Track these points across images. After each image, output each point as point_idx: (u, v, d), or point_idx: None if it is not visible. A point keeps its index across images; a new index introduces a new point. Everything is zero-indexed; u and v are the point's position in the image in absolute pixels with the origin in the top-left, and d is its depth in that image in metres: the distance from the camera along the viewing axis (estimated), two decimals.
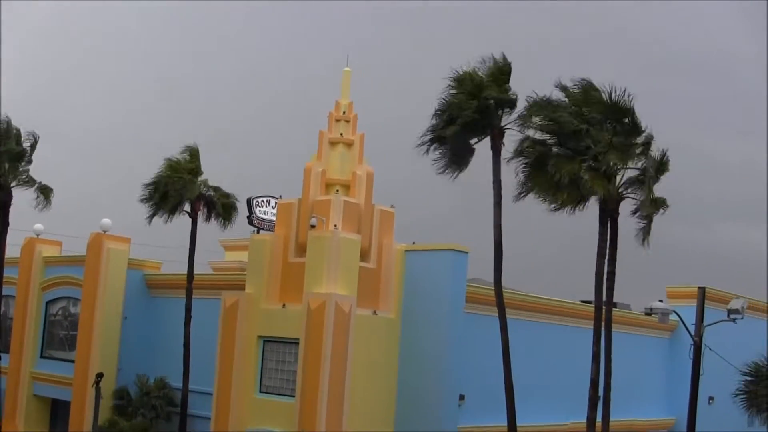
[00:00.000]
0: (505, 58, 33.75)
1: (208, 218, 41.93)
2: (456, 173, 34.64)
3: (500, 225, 33.27)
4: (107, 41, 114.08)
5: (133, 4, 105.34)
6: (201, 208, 41.15)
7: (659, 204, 31.21)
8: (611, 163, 30.60)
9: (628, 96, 30.96)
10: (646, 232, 31.48)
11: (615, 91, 30.91)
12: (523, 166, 32.70)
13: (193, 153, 41.68)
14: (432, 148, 34.24)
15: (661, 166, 31.29)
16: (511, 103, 33.40)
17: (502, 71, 33.60)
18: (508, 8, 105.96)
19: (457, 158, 34.46)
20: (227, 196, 41.87)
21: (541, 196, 32.18)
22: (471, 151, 34.55)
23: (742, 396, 33.60)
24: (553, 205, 32.17)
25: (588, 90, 31.55)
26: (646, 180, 30.93)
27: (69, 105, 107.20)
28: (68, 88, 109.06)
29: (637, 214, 31.62)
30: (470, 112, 32.79)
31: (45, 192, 44.80)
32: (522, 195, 32.75)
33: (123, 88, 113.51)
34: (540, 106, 32.03)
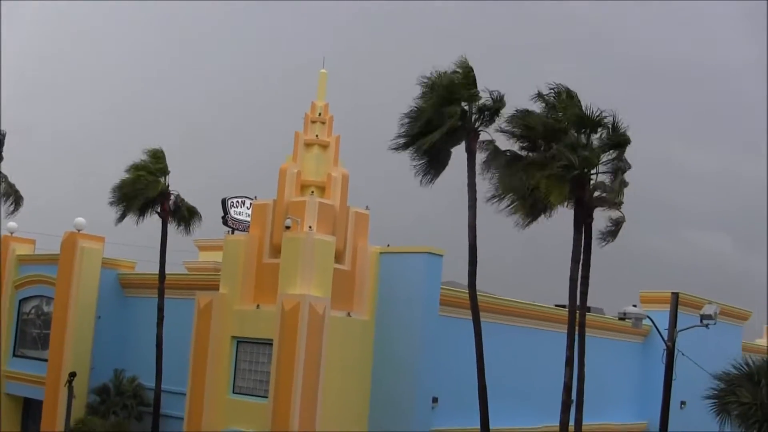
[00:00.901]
0: (466, 63, 33.79)
1: (176, 221, 41.90)
2: (432, 178, 34.78)
3: (475, 227, 33.37)
4: (82, 39, 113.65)
5: (107, 3, 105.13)
6: (168, 208, 41.07)
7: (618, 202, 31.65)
8: (584, 169, 30.84)
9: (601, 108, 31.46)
10: (613, 234, 31.88)
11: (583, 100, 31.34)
12: (495, 172, 32.89)
13: (158, 155, 41.64)
14: (408, 151, 34.40)
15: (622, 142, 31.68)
16: (486, 107, 33.52)
17: (467, 75, 33.64)
18: (487, 10, 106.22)
19: (435, 164, 34.63)
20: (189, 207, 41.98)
21: (512, 203, 32.39)
22: (448, 155, 34.72)
23: (713, 401, 33.78)
24: (521, 217, 32.52)
25: (562, 95, 31.75)
26: (617, 173, 31.33)
27: (44, 102, 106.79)
28: (43, 86, 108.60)
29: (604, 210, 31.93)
30: (454, 120, 32.90)
31: (14, 195, 44.56)
32: (495, 199, 32.89)
33: (99, 86, 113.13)
34: (516, 116, 32.25)
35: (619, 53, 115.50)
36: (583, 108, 31.57)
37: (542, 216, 32.67)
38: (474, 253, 33.42)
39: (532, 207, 32.30)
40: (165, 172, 41.33)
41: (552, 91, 31.96)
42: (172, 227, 41.98)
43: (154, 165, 41.26)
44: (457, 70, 33.67)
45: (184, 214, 41.75)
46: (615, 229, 32.30)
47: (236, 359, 36.54)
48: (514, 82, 34.12)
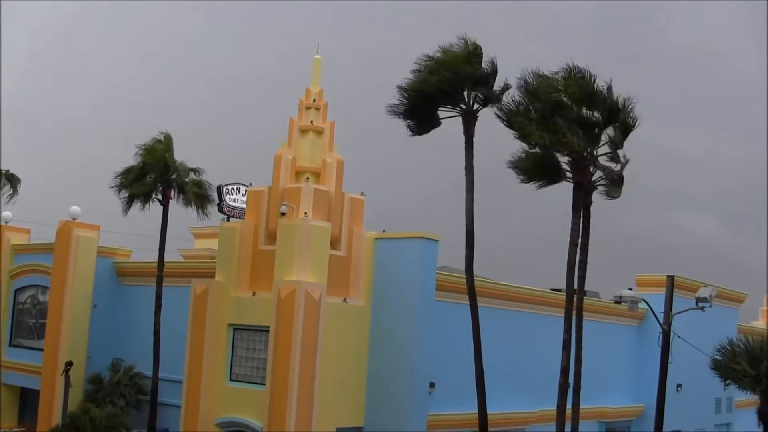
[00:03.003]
0: (475, 43, 33.79)
1: (191, 205, 41.66)
2: (420, 132, 34.75)
3: (472, 211, 33.37)
4: (78, 30, 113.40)
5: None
6: (172, 195, 40.97)
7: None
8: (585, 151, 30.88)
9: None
10: (618, 184, 31.89)
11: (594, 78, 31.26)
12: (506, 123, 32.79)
13: (167, 140, 41.52)
14: (402, 110, 34.70)
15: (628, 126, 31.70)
16: (484, 81, 33.46)
17: (474, 53, 33.61)
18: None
19: (422, 123, 34.94)
20: (200, 184, 41.68)
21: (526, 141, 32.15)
22: (437, 122, 34.94)
23: (718, 368, 34.29)
24: (525, 178, 32.51)
25: (570, 73, 31.67)
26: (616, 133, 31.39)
27: (38, 90, 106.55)
28: (37, 74, 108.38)
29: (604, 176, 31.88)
30: (444, 77, 33.06)
31: (12, 180, 44.50)
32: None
33: (93, 75, 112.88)
34: (524, 85, 32.21)
35: (607, 36, 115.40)
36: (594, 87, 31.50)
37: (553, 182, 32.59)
38: (471, 238, 33.44)
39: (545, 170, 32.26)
40: (172, 159, 41.16)
41: (561, 69, 31.80)
42: (174, 213, 41.83)
43: (163, 150, 41.09)
44: (463, 47, 33.63)
45: (192, 198, 41.39)
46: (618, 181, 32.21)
47: (233, 346, 36.47)
48: (506, 67, 34.00)
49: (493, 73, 33.72)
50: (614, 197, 32.55)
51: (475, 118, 33.54)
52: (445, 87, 33.05)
